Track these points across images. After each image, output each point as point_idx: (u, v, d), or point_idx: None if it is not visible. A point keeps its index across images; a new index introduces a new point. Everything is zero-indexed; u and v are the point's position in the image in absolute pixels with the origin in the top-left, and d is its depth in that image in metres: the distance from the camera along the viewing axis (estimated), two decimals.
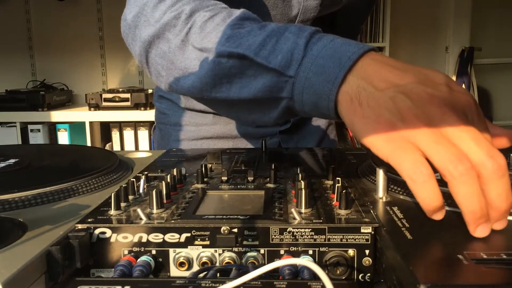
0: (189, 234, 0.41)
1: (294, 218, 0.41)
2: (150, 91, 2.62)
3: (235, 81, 0.49)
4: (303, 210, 0.43)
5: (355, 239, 0.40)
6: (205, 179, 0.55)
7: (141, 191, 0.51)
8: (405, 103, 0.38)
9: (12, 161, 0.65)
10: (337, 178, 0.49)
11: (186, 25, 0.54)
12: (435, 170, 0.37)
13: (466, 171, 0.35)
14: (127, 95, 2.54)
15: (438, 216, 0.38)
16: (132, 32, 0.59)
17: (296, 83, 0.45)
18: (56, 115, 2.60)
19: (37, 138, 2.61)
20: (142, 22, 0.57)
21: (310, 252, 0.41)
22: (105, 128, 2.64)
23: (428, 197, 0.37)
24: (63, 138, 2.63)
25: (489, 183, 0.35)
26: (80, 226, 0.41)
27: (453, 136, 0.36)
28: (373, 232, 0.40)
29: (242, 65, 0.48)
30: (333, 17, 0.94)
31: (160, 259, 0.41)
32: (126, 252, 0.41)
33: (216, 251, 0.41)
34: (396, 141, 0.38)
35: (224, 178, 0.56)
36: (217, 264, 0.41)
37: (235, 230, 0.41)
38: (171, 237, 0.41)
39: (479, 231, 0.36)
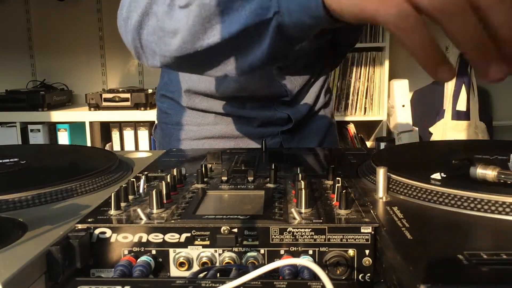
0: (189, 234, 0.41)
1: (294, 218, 0.41)
2: (150, 91, 2.62)
3: (223, 19, 0.48)
4: (303, 210, 0.43)
5: (355, 239, 0.40)
6: (205, 179, 0.55)
7: (141, 191, 0.51)
8: None
9: (12, 161, 0.65)
10: (337, 178, 0.49)
11: None
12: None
13: (457, 5, 0.32)
14: (127, 95, 2.54)
15: (444, 73, 0.34)
16: (125, 23, 0.60)
17: None
18: (56, 115, 2.60)
19: (37, 138, 2.61)
20: (133, 8, 0.58)
21: (310, 252, 0.41)
22: (105, 128, 2.64)
23: (420, 43, 0.34)
24: (63, 138, 2.63)
25: (489, 10, 0.32)
26: (80, 226, 0.41)
27: None
28: (373, 232, 0.40)
29: None
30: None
31: (160, 259, 0.41)
32: (126, 252, 0.41)
33: (216, 251, 0.41)
34: None
35: (224, 178, 0.56)
36: (217, 264, 0.41)
37: (235, 230, 0.41)
38: (171, 237, 0.41)
39: (493, 71, 0.32)
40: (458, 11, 0.32)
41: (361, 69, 2.68)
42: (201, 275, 0.38)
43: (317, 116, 1.00)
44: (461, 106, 2.72)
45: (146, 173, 0.58)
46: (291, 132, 0.96)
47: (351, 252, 0.40)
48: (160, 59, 0.57)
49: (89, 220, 0.42)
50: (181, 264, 0.41)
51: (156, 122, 1.05)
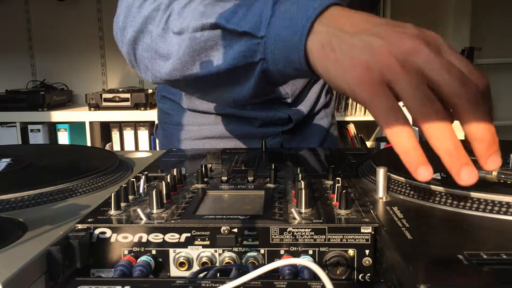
0: (189, 234, 0.41)
1: (294, 218, 0.41)
2: (150, 91, 2.62)
3: (212, 54, 0.50)
4: (303, 210, 0.43)
5: (355, 239, 0.40)
6: (205, 179, 0.55)
7: (141, 191, 0.51)
8: (378, 42, 0.38)
9: (12, 161, 0.65)
10: (337, 178, 0.49)
11: (164, 14, 0.55)
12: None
13: (436, 114, 0.35)
14: (127, 95, 2.54)
15: (424, 173, 0.36)
16: (122, 33, 0.61)
17: (268, 42, 0.46)
18: (56, 115, 2.60)
19: (37, 138, 2.61)
20: (129, 21, 0.59)
21: (310, 252, 0.41)
22: (105, 128, 2.64)
23: (403, 145, 0.36)
24: (63, 138, 2.63)
25: (465, 113, 0.35)
26: (80, 226, 0.41)
27: (426, 68, 0.36)
28: (373, 232, 0.40)
29: (216, 35, 0.49)
30: None
31: (160, 259, 0.41)
32: (126, 252, 0.41)
33: (216, 251, 0.41)
34: (372, 85, 0.37)
35: (224, 178, 0.56)
36: (217, 264, 0.41)
37: (235, 230, 0.41)
38: (171, 237, 0.41)
39: (464, 175, 0.35)
40: (438, 117, 0.34)
41: None
42: (201, 275, 0.38)
43: (318, 116, 1.01)
44: None
45: (146, 173, 0.58)
46: (291, 132, 0.96)
47: (351, 252, 0.40)
48: (152, 77, 0.59)
49: (89, 220, 0.42)
50: (181, 264, 0.41)
51: (157, 122, 1.06)
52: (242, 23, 0.47)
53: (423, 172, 0.36)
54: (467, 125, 0.35)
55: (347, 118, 2.70)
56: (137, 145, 2.62)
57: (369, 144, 2.89)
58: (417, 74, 0.36)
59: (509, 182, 0.45)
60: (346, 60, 0.39)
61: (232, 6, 0.49)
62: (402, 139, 0.36)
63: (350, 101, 2.70)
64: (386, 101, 0.36)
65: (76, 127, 2.64)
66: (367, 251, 0.40)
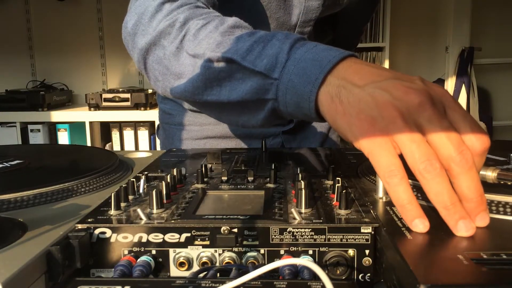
0: (189, 234, 0.41)
1: (294, 218, 0.41)
2: (150, 91, 2.62)
3: (224, 84, 0.51)
4: (303, 210, 0.43)
5: (355, 239, 0.40)
6: (205, 179, 0.55)
7: (141, 191, 0.51)
8: (384, 97, 0.39)
9: (12, 161, 0.65)
10: (337, 178, 0.49)
11: (180, 33, 0.55)
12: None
13: (434, 171, 0.37)
14: (127, 95, 2.54)
15: (419, 226, 0.38)
16: (132, 39, 0.61)
17: (280, 85, 0.47)
18: (56, 115, 2.60)
19: (37, 138, 2.61)
20: (140, 30, 0.59)
21: (310, 252, 0.41)
22: (105, 128, 2.64)
23: (400, 198, 0.38)
24: (63, 138, 2.63)
25: (458, 176, 0.37)
26: (80, 226, 0.41)
27: (427, 127, 0.38)
28: (373, 232, 0.40)
29: (231, 69, 0.50)
30: (335, 18, 0.94)
31: (160, 259, 0.41)
32: (126, 252, 0.41)
33: (216, 251, 0.41)
34: (376, 138, 0.39)
35: (224, 178, 0.56)
36: (217, 264, 0.41)
37: (235, 230, 0.41)
38: (171, 237, 0.41)
39: (460, 227, 0.37)
40: (437, 175, 0.37)
41: None
42: (201, 275, 0.38)
43: None
44: None
45: (146, 173, 0.58)
46: (292, 132, 0.96)
47: (351, 252, 0.40)
48: (161, 90, 0.59)
49: (89, 220, 0.42)
50: (181, 264, 0.41)
51: (158, 122, 1.06)
52: (257, 62, 0.48)
53: (418, 225, 0.38)
54: (457, 186, 0.38)
55: None
56: (137, 145, 2.62)
57: None
58: (419, 131, 0.38)
59: (509, 183, 0.45)
60: (353, 113, 0.41)
61: (249, 40, 0.50)
62: (399, 193, 0.38)
63: None
64: (387, 156, 0.38)
65: (76, 127, 2.64)
66: (367, 251, 0.40)
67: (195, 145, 0.94)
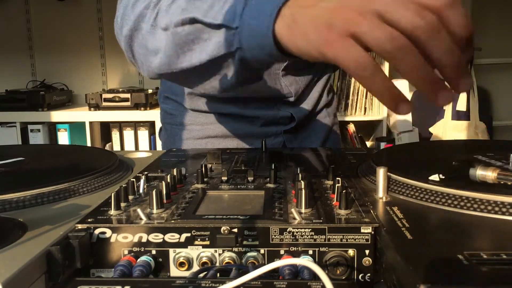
0: (189, 234, 0.41)
1: (294, 218, 0.41)
2: (150, 91, 2.62)
3: (194, 48, 0.54)
4: (303, 210, 0.43)
5: (355, 239, 0.40)
6: (205, 179, 0.55)
7: (141, 191, 0.51)
8: (334, 3, 0.40)
9: (12, 161, 0.65)
10: (337, 178, 0.49)
11: (153, 12, 0.59)
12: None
13: (403, 46, 0.35)
14: (127, 95, 2.54)
15: (404, 108, 0.38)
16: (120, 33, 0.64)
17: (242, 32, 0.49)
18: (56, 115, 2.60)
19: (37, 138, 2.61)
20: (125, 21, 0.63)
21: (310, 252, 0.41)
22: (105, 128, 2.64)
23: (379, 87, 0.38)
24: (63, 138, 2.63)
25: (427, 43, 0.36)
26: (80, 226, 0.41)
27: (383, 10, 0.37)
28: (373, 232, 0.40)
29: (196, 29, 0.53)
30: None
31: (160, 259, 0.41)
32: (126, 252, 0.41)
33: (216, 251, 0.41)
34: (337, 40, 0.38)
35: (224, 178, 0.56)
36: (217, 264, 0.41)
37: (235, 230, 0.41)
38: (171, 237, 0.41)
39: (441, 97, 0.36)
40: (405, 50, 0.36)
41: None
42: (201, 275, 0.38)
43: (320, 115, 1.01)
44: (461, 106, 2.72)
45: (146, 173, 0.58)
46: (293, 131, 0.96)
47: (351, 252, 0.40)
48: (146, 72, 0.62)
49: (89, 220, 0.42)
50: (181, 264, 0.41)
51: (161, 124, 1.06)
52: (218, 16, 0.50)
53: (403, 108, 0.38)
54: (430, 54, 0.36)
55: (347, 118, 2.70)
56: (137, 145, 2.62)
57: (369, 144, 2.89)
58: (377, 17, 0.37)
59: (509, 183, 0.45)
60: (310, 29, 0.41)
61: (210, 0, 0.52)
62: (377, 83, 0.37)
63: (350, 101, 2.70)
64: (354, 52, 0.37)
65: (76, 127, 2.64)
66: (367, 251, 0.40)
67: (197, 145, 0.94)
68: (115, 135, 2.64)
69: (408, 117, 2.73)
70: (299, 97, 0.94)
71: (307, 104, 0.96)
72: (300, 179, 0.50)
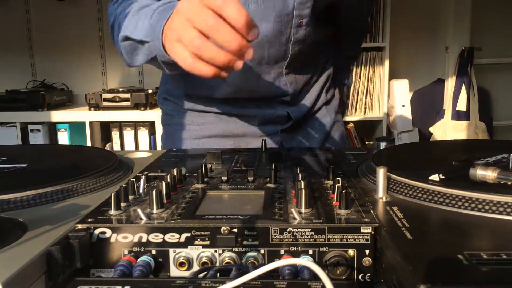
0: (189, 234, 0.41)
1: (294, 218, 0.41)
2: (150, 91, 2.62)
3: (135, 53, 0.74)
4: (303, 210, 0.43)
5: (355, 239, 0.40)
6: (205, 179, 0.55)
7: (141, 191, 0.51)
8: (174, 23, 0.57)
9: (12, 161, 0.65)
10: (337, 178, 0.49)
11: (114, 29, 0.83)
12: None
13: (202, 44, 0.52)
14: (127, 95, 2.54)
15: (240, 64, 0.52)
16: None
17: (151, 45, 0.67)
18: (56, 115, 2.60)
19: (37, 138, 2.61)
20: (109, 20, 0.84)
21: (310, 252, 0.41)
22: (105, 128, 2.64)
23: (204, 70, 0.53)
24: (63, 138, 2.63)
25: (213, 38, 0.51)
26: (80, 226, 0.41)
27: (190, 20, 0.53)
28: (373, 232, 0.40)
29: (131, 43, 0.73)
30: (335, 11, 0.94)
31: (160, 259, 0.41)
32: (126, 252, 0.41)
33: (216, 251, 0.41)
34: (171, 45, 0.57)
35: (224, 178, 0.56)
36: (217, 264, 0.41)
37: (235, 230, 0.41)
38: (171, 237, 0.41)
39: (238, 65, 0.52)
40: (205, 46, 0.52)
41: (361, 69, 2.68)
42: (201, 275, 0.38)
43: (319, 114, 1.00)
44: (461, 106, 2.72)
45: (146, 173, 0.58)
46: (291, 130, 0.96)
47: (351, 252, 0.40)
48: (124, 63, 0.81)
49: (89, 220, 0.42)
50: (181, 264, 0.41)
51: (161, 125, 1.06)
52: (140, 34, 0.69)
53: (239, 63, 0.52)
54: (219, 44, 0.51)
55: (347, 118, 2.70)
56: (137, 145, 2.61)
57: (369, 144, 2.88)
58: (190, 26, 0.53)
59: (509, 183, 0.45)
60: (166, 43, 0.61)
61: (135, 19, 0.71)
62: (200, 69, 0.53)
63: (350, 101, 2.70)
64: (177, 50, 0.55)
65: (76, 127, 2.64)
66: (367, 251, 0.40)
67: (194, 145, 0.95)
68: (115, 135, 2.64)
69: (408, 117, 2.73)
70: (297, 95, 0.95)
71: (304, 103, 0.96)
72: (300, 179, 0.50)
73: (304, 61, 0.91)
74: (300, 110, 0.95)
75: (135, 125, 2.61)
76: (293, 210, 0.42)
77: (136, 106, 2.56)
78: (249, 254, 0.41)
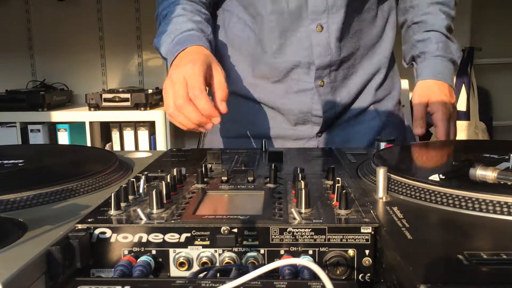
0: (189, 234, 0.41)
1: (294, 218, 0.41)
2: (150, 91, 2.62)
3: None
4: (303, 210, 0.43)
5: (355, 239, 0.40)
6: (205, 179, 0.55)
7: (141, 191, 0.51)
8: (175, 74, 0.71)
9: (12, 161, 0.65)
10: (337, 178, 0.49)
11: (157, 19, 0.92)
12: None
13: (182, 104, 0.68)
14: (127, 95, 2.54)
15: (208, 126, 0.70)
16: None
17: (168, 61, 0.82)
18: (56, 115, 2.60)
19: (37, 138, 2.61)
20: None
21: (310, 252, 0.41)
22: (105, 128, 2.64)
23: (182, 122, 0.70)
24: (63, 138, 2.63)
25: (183, 113, 0.68)
26: (80, 226, 0.41)
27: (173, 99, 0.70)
28: (373, 232, 0.40)
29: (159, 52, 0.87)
30: None
31: (160, 259, 0.41)
32: (126, 252, 0.41)
33: (216, 251, 0.41)
34: (168, 92, 0.70)
35: (224, 178, 0.56)
36: (217, 264, 0.41)
37: (235, 230, 0.41)
38: (171, 237, 0.41)
39: (208, 127, 0.70)
40: (185, 108, 0.68)
41: None
42: (201, 275, 0.38)
43: (366, 116, 0.92)
44: (461, 106, 2.72)
45: (146, 173, 0.58)
46: (330, 133, 0.91)
47: (351, 252, 0.40)
48: None
49: (89, 220, 0.42)
50: (181, 264, 0.41)
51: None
52: (162, 51, 0.84)
53: (208, 125, 0.70)
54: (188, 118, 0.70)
55: None
56: (137, 145, 2.61)
57: None
58: (176, 95, 0.70)
59: (509, 183, 0.45)
60: (170, 75, 0.73)
61: (167, 32, 0.84)
62: (179, 122, 0.71)
63: None
64: (167, 101, 0.71)
65: (76, 127, 2.64)
66: (367, 251, 0.40)
67: (226, 144, 0.94)
68: (115, 135, 2.64)
69: (408, 117, 2.73)
70: (332, 91, 0.89)
71: (341, 99, 0.89)
72: (300, 179, 0.50)
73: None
74: (336, 108, 0.89)
75: (135, 125, 2.61)
76: (293, 210, 0.42)
77: (136, 106, 2.56)
78: (249, 254, 0.41)
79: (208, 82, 0.72)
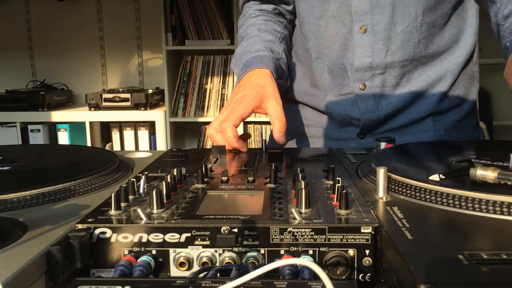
0: (189, 234, 0.41)
1: (294, 218, 0.41)
2: (150, 91, 2.62)
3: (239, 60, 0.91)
4: (303, 210, 0.43)
5: (355, 239, 0.40)
6: (205, 179, 0.55)
7: (141, 191, 0.51)
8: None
9: (12, 161, 0.65)
10: (337, 178, 0.49)
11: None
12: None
13: (223, 127, 0.76)
14: (127, 95, 2.54)
15: (242, 146, 0.75)
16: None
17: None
18: (56, 115, 2.60)
19: (37, 138, 2.61)
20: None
21: (310, 252, 0.41)
22: (105, 128, 2.64)
23: (218, 140, 0.76)
24: (63, 138, 2.63)
25: (223, 136, 0.76)
26: (80, 226, 0.41)
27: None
28: (373, 232, 0.40)
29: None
30: None
31: (160, 259, 0.41)
32: (126, 252, 0.41)
33: (216, 251, 0.41)
34: (222, 112, 0.80)
35: (224, 178, 0.56)
36: (217, 264, 0.41)
37: (235, 230, 0.41)
38: (171, 237, 0.41)
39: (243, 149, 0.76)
40: (217, 137, 0.77)
41: None
42: (201, 275, 0.38)
43: (421, 126, 0.86)
44: None
45: (146, 173, 0.58)
46: (375, 137, 0.84)
47: (351, 252, 0.40)
48: None
49: (89, 220, 0.42)
50: (181, 264, 0.41)
51: None
52: (235, 70, 0.90)
53: (243, 146, 0.76)
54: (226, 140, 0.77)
55: None
56: (137, 145, 2.62)
57: None
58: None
59: (509, 183, 0.45)
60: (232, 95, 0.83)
61: (239, 54, 0.90)
62: (216, 140, 0.77)
63: None
64: (220, 116, 0.79)
65: (76, 127, 2.64)
66: (367, 251, 0.40)
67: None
68: (115, 135, 2.64)
69: None
70: (377, 95, 0.84)
71: (387, 105, 0.84)
72: (300, 179, 0.50)
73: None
74: (378, 112, 0.84)
75: (135, 125, 2.61)
76: (293, 210, 0.42)
77: (136, 106, 2.56)
78: (249, 254, 0.41)
79: (263, 111, 0.78)
